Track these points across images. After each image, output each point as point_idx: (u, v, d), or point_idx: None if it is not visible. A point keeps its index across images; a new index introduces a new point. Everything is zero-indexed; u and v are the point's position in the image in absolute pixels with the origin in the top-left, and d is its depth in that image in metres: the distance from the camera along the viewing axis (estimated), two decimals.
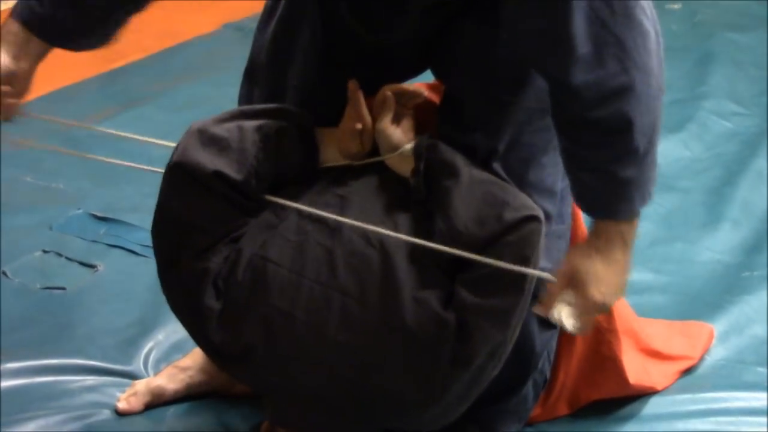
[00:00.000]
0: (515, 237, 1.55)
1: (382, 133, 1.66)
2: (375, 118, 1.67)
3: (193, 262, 1.63)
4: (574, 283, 1.53)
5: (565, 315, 1.54)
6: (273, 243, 1.62)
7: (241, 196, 1.63)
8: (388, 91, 1.67)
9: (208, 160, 1.62)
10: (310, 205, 1.64)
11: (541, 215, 1.58)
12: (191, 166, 1.63)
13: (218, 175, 1.62)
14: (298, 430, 1.72)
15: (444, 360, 1.54)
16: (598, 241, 1.55)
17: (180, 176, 1.64)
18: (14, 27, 1.65)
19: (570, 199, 1.78)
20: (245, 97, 1.83)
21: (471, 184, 1.58)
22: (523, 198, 1.59)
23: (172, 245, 1.65)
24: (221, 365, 1.75)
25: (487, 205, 1.57)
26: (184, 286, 1.65)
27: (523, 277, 1.54)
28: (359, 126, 1.66)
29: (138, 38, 3.92)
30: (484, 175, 1.61)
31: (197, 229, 1.63)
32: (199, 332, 1.67)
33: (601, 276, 1.53)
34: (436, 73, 1.72)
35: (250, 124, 1.65)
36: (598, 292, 1.53)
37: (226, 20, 3.96)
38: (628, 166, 1.51)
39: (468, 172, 1.60)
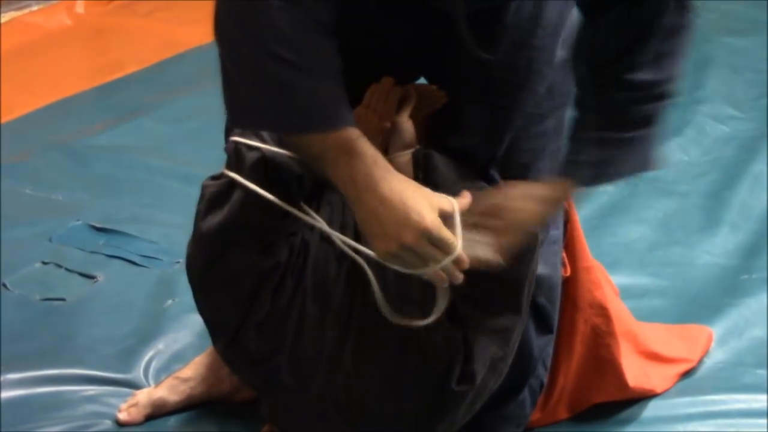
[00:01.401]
0: None
1: (398, 127, 1.65)
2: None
3: (260, 257, 1.62)
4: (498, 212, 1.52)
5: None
6: (312, 248, 1.64)
7: (300, 194, 1.64)
8: (412, 89, 1.67)
9: (295, 165, 1.61)
10: (333, 212, 1.65)
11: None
12: (278, 166, 1.62)
13: (300, 178, 1.62)
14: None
15: (453, 376, 1.55)
16: (541, 190, 1.55)
17: (268, 170, 1.62)
18: (354, 135, 1.42)
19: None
20: None
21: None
22: None
23: (236, 237, 1.63)
24: (242, 369, 1.75)
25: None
26: (242, 279, 1.64)
27: (519, 295, 1.56)
28: (388, 125, 1.65)
29: (136, 50, 3.96)
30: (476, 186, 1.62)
31: (266, 225, 1.63)
32: (233, 328, 1.66)
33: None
34: (430, 80, 1.73)
35: None
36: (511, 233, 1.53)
37: None
38: (626, 146, 1.55)
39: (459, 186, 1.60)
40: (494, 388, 1.61)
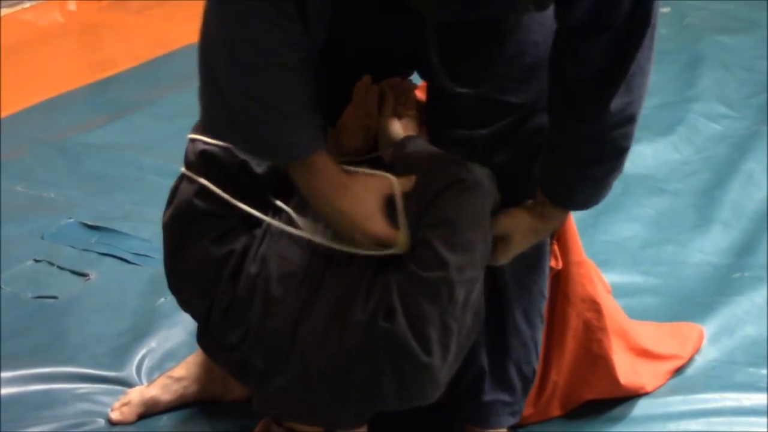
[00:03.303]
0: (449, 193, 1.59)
1: (381, 125, 1.67)
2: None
3: (212, 247, 1.66)
4: (501, 242, 1.67)
5: None
6: (276, 237, 1.66)
7: (258, 189, 1.67)
8: (386, 87, 1.68)
9: (237, 153, 1.67)
10: (300, 203, 1.65)
11: (468, 176, 1.59)
12: (220, 154, 1.67)
13: (244, 165, 1.66)
14: (287, 417, 1.74)
15: (378, 315, 1.56)
16: (539, 222, 1.70)
17: (208, 161, 1.68)
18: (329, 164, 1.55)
19: None
20: None
21: (428, 155, 1.64)
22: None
23: (188, 229, 1.68)
24: (218, 357, 1.76)
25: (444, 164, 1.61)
26: (201, 270, 1.68)
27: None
28: (369, 122, 1.67)
29: (128, 47, 3.96)
30: (433, 151, 1.65)
31: (216, 214, 1.67)
32: (203, 319, 1.70)
33: (520, 250, 1.71)
34: (423, 76, 1.73)
35: None
36: (506, 259, 1.70)
37: None
38: (609, 179, 1.65)
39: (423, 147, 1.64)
40: (448, 349, 1.59)
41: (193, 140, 1.71)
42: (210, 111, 1.53)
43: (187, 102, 3.37)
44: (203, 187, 1.67)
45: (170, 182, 2.72)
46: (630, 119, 1.57)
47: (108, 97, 3.52)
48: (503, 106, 1.66)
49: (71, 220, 2.66)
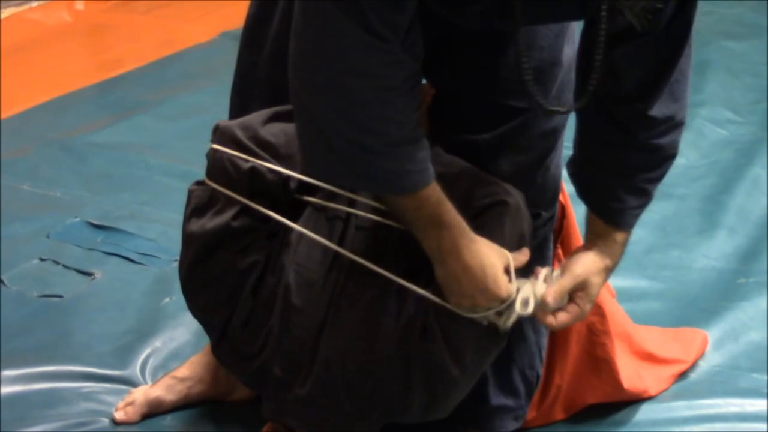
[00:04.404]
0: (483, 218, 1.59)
1: None
2: None
3: (238, 257, 1.65)
4: (581, 291, 1.62)
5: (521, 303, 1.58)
6: (294, 245, 1.65)
7: (285, 198, 1.65)
8: None
9: (279, 172, 1.64)
10: (321, 208, 1.65)
11: (511, 200, 1.61)
12: (264, 175, 1.64)
13: (285, 184, 1.64)
14: (301, 426, 1.74)
15: (415, 332, 1.57)
16: (607, 258, 1.66)
17: (254, 179, 1.65)
18: (444, 207, 1.51)
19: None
20: (238, 112, 1.81)
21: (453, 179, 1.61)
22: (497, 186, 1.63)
23: (220, 244, 1.66)
24: (234, 367, 1.76)
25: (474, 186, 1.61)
26: (224, 279, 1.66)
27: None
28: None
29: (135, 47, 3.97)
30: (467, 167, 1.64)
31: (250, 229, 1.65)
32: (220, 328, 1.69)
33: (597, 293, 1.66)
34: (428, 77, 1.73)
35: (293, 128, 1.64)
36: (592, 305, 1.65)
37: (223, 29, 3.97)
38: (656, 186, 1.67)
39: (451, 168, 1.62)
40: (480, 367, 1.62)
41: (229, 156, 1.66)
42: (313, 150, 1.48)
43: (194, 102, 3.41)
44: (244, 207, 1.64)
45: (177, 182, 2.75)
46: (678, 125, 1.59)
47: (115, 96, 3.53)
48: (508, 109, 1.66)
49: (77, 219, 2.67)
